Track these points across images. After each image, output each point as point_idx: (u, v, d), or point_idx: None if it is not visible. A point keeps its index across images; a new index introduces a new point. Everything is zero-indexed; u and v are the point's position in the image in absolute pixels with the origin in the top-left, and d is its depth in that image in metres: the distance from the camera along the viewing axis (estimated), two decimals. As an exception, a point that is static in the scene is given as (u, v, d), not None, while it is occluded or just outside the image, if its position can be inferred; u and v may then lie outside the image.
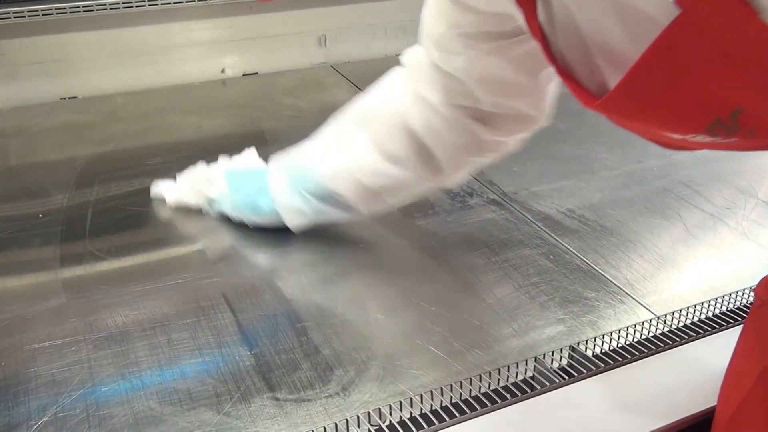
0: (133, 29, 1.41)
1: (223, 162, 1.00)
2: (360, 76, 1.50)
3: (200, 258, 0.91)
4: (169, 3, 1.38)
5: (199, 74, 1.47)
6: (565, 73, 0.57)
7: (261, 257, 0.91)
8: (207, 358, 0.74)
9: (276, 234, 0.95)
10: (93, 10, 1.34)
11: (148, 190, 1.06)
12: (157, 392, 0.70)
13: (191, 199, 0.98)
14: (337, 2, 1.56)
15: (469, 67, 0.74)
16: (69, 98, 1.38)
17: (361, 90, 1.43)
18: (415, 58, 0.82)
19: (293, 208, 0.89)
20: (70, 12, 1.32)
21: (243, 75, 1.50)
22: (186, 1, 1.40)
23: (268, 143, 1.21)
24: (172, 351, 0.75)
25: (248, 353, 0.75)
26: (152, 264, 0.90)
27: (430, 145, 0.82)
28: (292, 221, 0.91)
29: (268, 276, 0.87)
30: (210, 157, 1.14)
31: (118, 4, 1.35)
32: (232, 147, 1.19)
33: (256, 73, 1.51)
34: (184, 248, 0.93)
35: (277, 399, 0.69)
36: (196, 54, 1.47)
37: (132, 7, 1.36)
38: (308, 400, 0.69)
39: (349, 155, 0.86)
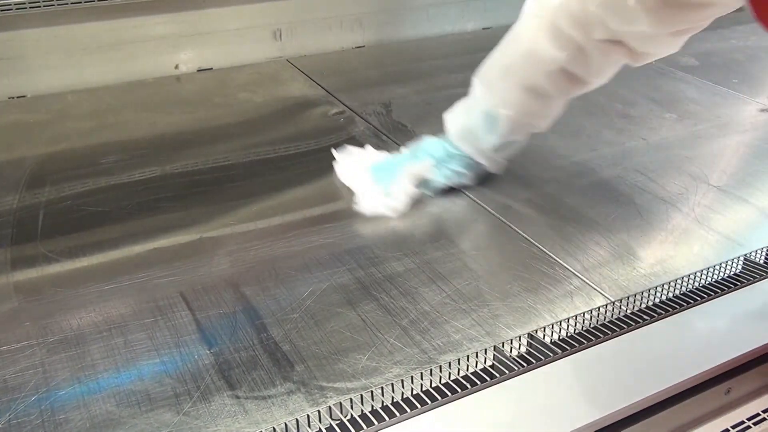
0: (84, 25, 1.38)
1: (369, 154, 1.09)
2: (316, 70, 1.49)
3: (157, 257, 0.89)
4: (119, -2, 1.35)
5: (152, 70, 1.44)
6: None
7: (219, 254, 0.90)
8: (165, 358, 0.73)
9: (234, 229, 0.94)
10: (40, 6, 1.30)
11: (102, 189, 1.04)
12: (114, 395, 0.69)
13: (410, 192, 1.01)
14: (291, -5, 1.55)
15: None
16: (18, 97, 1.34)
17: (318, 84, 1.43)
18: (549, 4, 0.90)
19: (487, 159, 1.04)
20: (17, 9, 1.29)
21: (198, 70, 1.48)
22: (137, -4, 1.37)
23: (223, 139, 1.20)
24: (130, 352, 0.74)
25: (207, 352, 0.74)
26: (107, 264, 0.88)
27: (578, 73, 0.93)
28: (491, 167, 1.06)
29: (226, 273, 0.86)
30: (165, 155, 1.13)
31: (66, 0, 1.31)
32: (188, 143, 1.18)
33: (211, 68, 1.49)
34: (140, 247, 0.91)
35: (237, 397, 0.68)
36: (149, 50, 1.44)
37: (81, 3, 1.33)
38: (269, 397, 0.68)
39: (508, 109, 0.98)
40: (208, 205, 1.01)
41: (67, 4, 1.32)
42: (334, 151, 1.08)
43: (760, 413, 0.75)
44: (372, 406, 0.66)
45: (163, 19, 1.44)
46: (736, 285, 0.82)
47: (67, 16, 1.35)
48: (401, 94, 1.40)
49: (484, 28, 1.78)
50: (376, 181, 1.01)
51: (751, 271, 0.85)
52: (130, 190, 1.04)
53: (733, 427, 0.74)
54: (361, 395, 0.66)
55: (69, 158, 1.13)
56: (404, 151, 1.08)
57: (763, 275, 0.84)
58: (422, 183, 1.02)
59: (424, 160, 1.02)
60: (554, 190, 1.08)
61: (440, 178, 1.03)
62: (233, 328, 0.77)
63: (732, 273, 0.85)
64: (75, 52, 1.38)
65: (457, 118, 1.04)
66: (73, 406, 0.67)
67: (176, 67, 1.47)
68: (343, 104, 1.34)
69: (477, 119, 1.01)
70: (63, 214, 0.98)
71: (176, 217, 0.98)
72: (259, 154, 1.16)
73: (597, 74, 0.95)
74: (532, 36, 0.92)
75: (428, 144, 1.05)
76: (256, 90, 1.40)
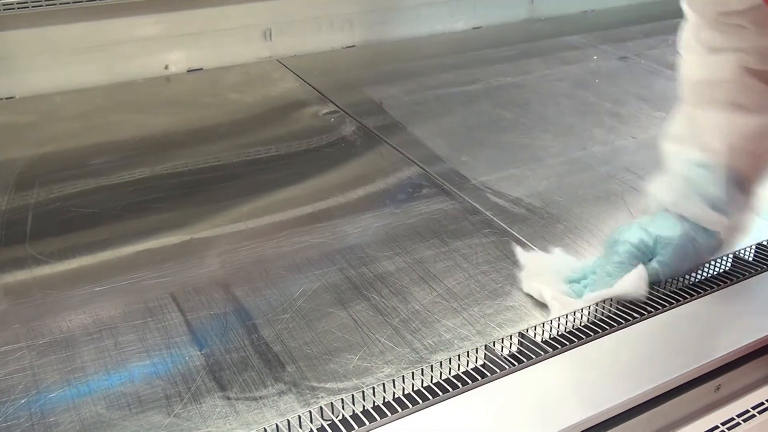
0: (72, 26, 1.37)
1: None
2: (306, 70, 1.49)
3: (147, 258, 0.89)
4: (108, -2, 1.34)
5: (141, 71, 1.44)
6: None
7: (210, 255, 0.90)
8: (156, 359, 0.73)
9: (224, 230, 0.94)
10: (28, 7, 1.30)
11: (91, 191, 1.04)
12: (104, 397, 0.68)
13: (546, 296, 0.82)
14: (281, -5, 1.54)
15: None
16: (6, 98, 1.34)
17: (308, 84, 1.43)
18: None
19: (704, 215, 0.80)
20: (4, 9, 1.28)
21: (187, 71, 1.48)
22: (126, -4, 1.37)
23: (213, 139, 1.20)
24: (120, 354, 0.73)
25: (198, 353, 0.74)
26: (97, 266, 0.88)
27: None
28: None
29: (217, 274, 0.86)
30: (154, 156, 1.13)
31: (55, 1, 1.31)
32: (178, 144, 1.18)
33: (201, 68, 1.49)
34: (130, 248, 0.91)
35: (228, 398, 0.68)
36: (139, 50, 1.43)
37: (69, 3, 1.32)
38: (260, 398, 0.68)
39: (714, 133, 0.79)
40: (198, 206, 1.01)
41: (55, 4, 1.31)
42: (518, 252, 0.88)
43: (750, 410, 0.75)
44: (363, 406, 0.66)
45: (152, 19, 1.44)
46: (725, 282, 0.83)
47: (56, 16, 1.34)
48: (392, 94, 1.40)
49: (474, 28, 1.78)
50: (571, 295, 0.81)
51: (740, 269, 0.85)
52: (119, 192, 1.04)
53: (723, 423, 0.74)
54: (353, 395, 0.66)
55: (58, 160, 1.13)
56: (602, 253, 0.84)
57: (751, 272, 0.84)
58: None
59: (622, 258, 0.79)
60: (545, 189, 1.08)
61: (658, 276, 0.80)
62: (224, 329, 0.77)
63: (721, 271, 0.85)
64: (63, 53, 1.37)
65: (661, 187, 0.84)
66: (62, 408, 0.67)
67: (166, 67, 1.46)
68: (334, 104, 1.34)
69: (686, 173, 0.81)
70: (52, 215, 0.97)
71: (166, 218, 0.97)
72: (250, 154, 1.16)
73: None
74: (694, 56, 0.82)
75: (623, 233, 0.81)
76: (246, 90, 1.40)
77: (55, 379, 0.70)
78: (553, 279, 0.83)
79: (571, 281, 0.83)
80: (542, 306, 0.82)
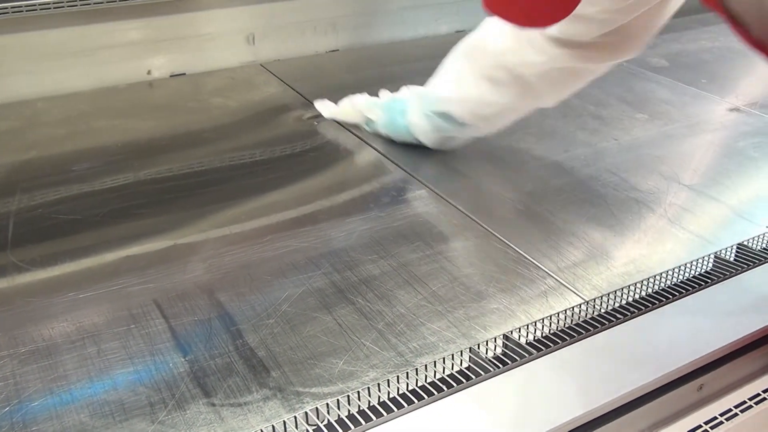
0: (54, 31, 1.36)
1: (382, 94, 1.20)
2: (290, 74, 1.49)
3: (130, 264, 0.89)
4: (89, 3, 1.33)
5: (124, 76, 1.43)
6: (739, 27, 0.63)
7: (194, 260, 0.90)
8: (139, 366, 0.72)
9: (208, 235, 0.94)
10: (8, 12, 1.28)
11: (74, 197, 1.03)
12: (87, 405, 0.68)
13: (351, 117, 1.23)
14: (264, 0, 1.54)
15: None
16: (-14, 104, 1.32)
17: (292, 88, 1.43)
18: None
19: (421, 126, 1.12)
20: (-16, 15, 1.27)
21: (170, 76, 1.47)
22: (108, 2, 1.36)
23: (197, 144, 1.19)
24: (103, 362, 0.73)
25: (182, 359, 0.73)
26: (79, 273, 0.87)
27: (529, 77, 0.99)
28: (422, 137, 1.14)
29: (201, 279, 0.86)
30: (137, 162, 1.12)
31: (35, 6, 1.30)
32: (161, 149, 1.17)
33: (184, 73, 1.48)
34: (113, 255, 0.90)
35: (213, 404, 0.68)
36: (121, 55, 1.43)
37: (50, 8, 1.31)
38: (245, 404, 0.68)
39: (460, 85, 1.05)
40: (182, 212, 1.00)
41: (35, 9, 1.30)
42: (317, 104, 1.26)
43: (732, 408, 0.76)
44: (349, 411, 0.66)
45: (134, 24, 1.43)
46: (707, 282, 0.83)
47: (37, 22, 1.33)
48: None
49: (457, 31, 1.79)
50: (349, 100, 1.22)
51: (721, 269, 0.86)
52: (102, 198, 1.03)
53: (706, 422, 0.75)
54: (338, 400, 0.66)
55: (40, 166, 1.12)
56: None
57: (732, 272, 0.85)
58: (367, 122, 1.21)
59: (377, 105, 1.18)
60: (528, 192, 1.09)
61: (376, 125, 1.19)
62: (208, 335, 0.77)
63: (703, 271, 0.86)
64: (45, 58, 1.36)
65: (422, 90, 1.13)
66: (45, 417, 0.66)
67: (149, 72, 1.46)
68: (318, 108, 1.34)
69: (437, 85, 1.09)
70: (34, 222, 0.97)
71: (150, 224, 0.97)
72: (234, 159, 1.15)
73: (546, 82, 1.01)
74: (495, 28, 1.01)
75: (393, 98, 1.18)
76: (229, 95, 1.39)
77: (38, 387, 0.69)
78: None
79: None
80: (526, 308, 0.82)
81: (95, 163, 1.12)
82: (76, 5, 1.33)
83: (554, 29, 0.93)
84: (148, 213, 1.00)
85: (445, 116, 1.08)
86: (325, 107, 1.28)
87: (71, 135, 1.22)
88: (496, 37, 1.00)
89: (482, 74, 1.02)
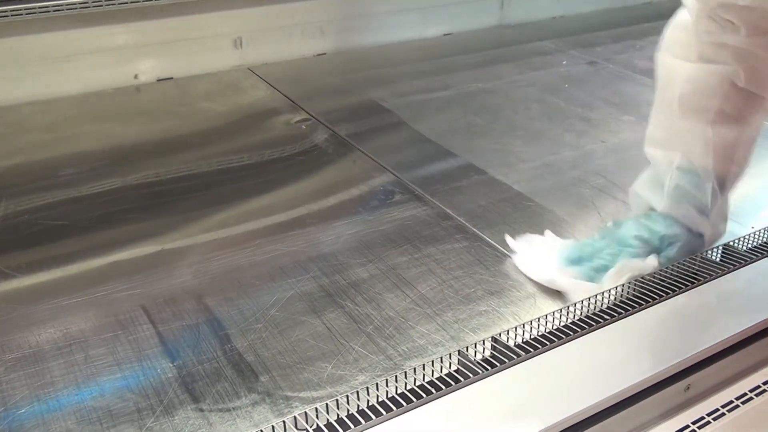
0: (40, 36, 1.35)
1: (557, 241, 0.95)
2: (278, 78, 1.49)
3: (117, 270, 0.88)
4: (76, 8, 1.33)
5: (111, 81, 1.42)
6: None
7: (181, 265, 0.89)
8: (127, 372, 0.72)
9: (196, 240, 0.93)
10: (-7, 17, 1.28)
11: (60, 202, 1.03)
12: (75, 412, 0.67)
13: (561, 283, 0.88)
14: (251, 4, 1.54)
15: None
16: (-28, 110, 1.32)
17: (280, 92, 1.43)
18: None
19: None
20: (-31, 20, 1.26)
21: (157, 80, 1.47)
22: (94, 6, 1.35)
23: (184, 149, 1.19)
24: (90, 368, 0.72)
25: (170, 365, 0.73)
26: (66, 279, 0.87)
27: (751, 87, 0.83)
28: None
29: (188, 284, 0.85)
30: (124, 166, 1.12)
31: (21, 11, 1.29)
32: (148, 154, 1.17)
33: (171, 77, 1.48)
34: (100, 260, 0.90)
35: (201, 410, 0.68)
36: (108, 60, 1.42)
37: (36, 13, 1.30)
38: (233, 409, 0.68)
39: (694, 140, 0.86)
40: (170, 216, 1.00)
41: (21, 14, 1.29)
42: (509, 240, 0.94)
43: (719, 408, 0.76)
44: (338, 415, 0.66)
45: (121, 29, 1.43)
46: (693, 283, 0.84)
47: (22, 26, 1.32)
48: (364, 101, 1.40)
49: (444, 34, 1.79)
50: (575, 276, 0.87)
51: (707, 269, 0.87)
52: (89, 203, 1.03)
53: (694, 422, 0.75)
54: (327, 404, 0.66)
55: (26, 171, 1.11)
56: (596, 236, 0.91)
57: (718, 272, 0.86)
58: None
59: (635, 248, 0.86)
60: (516, 194, 1.09)
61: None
62: (196, 341, 0.76)
63: (690, 271, 0.87)
64: (30, 63, 1.35)
65: (647, 188, 0.92)
66: (32, 425, 0.66)
67: (135, 77, 1.45)
68: (306, 112, 1.34)
69: (676, 180, 0.87)
70: (20, 228, 0.96)
71: (137, 229, 0.97)
72: (221, 163, 1.15)
73: None
74: (684, 63, 0.85)
75: (629, 227, 0.89)
76: (217, 99, 1.39)
77: (24, 394, 0.69)
78: (550, 261, 0.89)
79: (570, 262, 0.88)
80: (515, 310, 0.82)
81: (82, 168, 1.12)
82: (62, 10, 1.32)
83: None
84: (136, 218, 0.99)
85: (692, 172, 0.87)
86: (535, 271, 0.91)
87: (57, 140, 1.22)
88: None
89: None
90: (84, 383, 0.71)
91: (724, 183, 0.88)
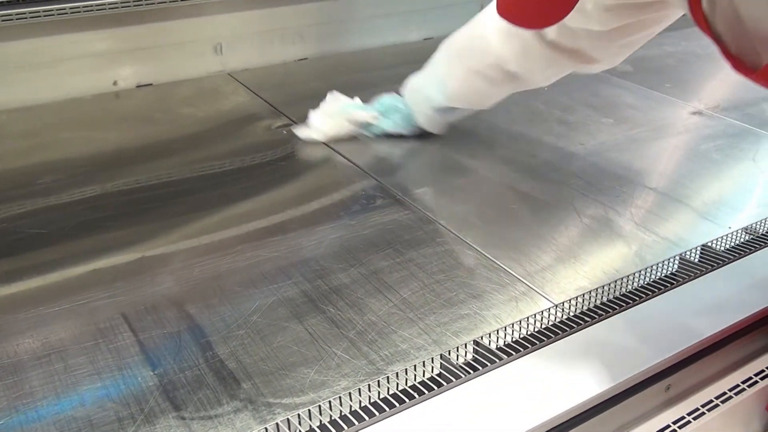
0: (17, 42, 1.34)
1: (339, 98, 1.27)
2: (259, 83, 1.48)
3: (97, 278, 0.88)
4: (53, 14, 1.32)
5: (90, 87, 1.41)
6: (723, 48, 0.72)
7: (162, 272, 0.89)
8: (107, 381, 0.71)
9: (177, 247, 0.93)
10: (-31, 24, 1.27)
11: (39, 210, 1.02)
12: (54, 422, 0.67)
13: (343, 129, 1.23)
14: (231, 9, 1.53)
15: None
16: (-52, 118, 1.30)
17: (260, 97, 1.42)
18: None
19: (428, 118, 1.21)
20: (-55, 26, 1.25)
21: (137, 86, 1.46)
22: (72, 12, 1.34)
23: (165, 155, 1.18)
24: (70, 377, 0.72)
25: (151, 373, 0.72)
26: (46, 288, 0.86)
27: (518, 72, 1.06)
28: (430, 126, 1.23)
29: (170, 292, 0.85)
30: (104, 173, 1.11)
31: (-3, 16, 1.28)
32: (128, 160, 1.16)
33: (151, 84, 1.47)
34: (80, 269, 0.89)
35: (183, 418, 0.67)
36: (86, 66, 1.41)
37: (12, 20, 1.29)
38: (215, 416, 0.67)
39: (453, 82, 1.14)
40: (150, 223, 0.99)
41: (-2, 21, 1.28)
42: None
43: (699, 408, 0.77)
44: (320, 421, 0.66)
45: (100, 35, 1.42)
46: (672, 284, 0.85)
47: (-1, 33, 1.31)
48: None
49: (425, 39, 1.80)
50: (327, 114, 1.23)
51: (686, 270, 0.88)
52: (69, 211, 1.02)
53: (675, 422, 0.76)
54: (309, 410, 0.66)
55: (4, 179, 1.10)
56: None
57: (697, 273, 0.87)
58: (364, 126, 1.24)
59: (373, 109, 1.23)
60: (497, 197, 1.09)
61: (382, 125, 1.23)
62: (178, 348, 0.76)
63: (669, 272, 0.88)
64: (8, 70, 1.34)
65: (415, 78, 1.20)
66: (11, 436, 0.65)
67: (115, 83, 1.44)
68: (287, 117, 1.34)
69: (429, 82, 1.17)
70: (-2, 237, 0.95)
71: (117, 237, 0.96)
72: (203, 169, 1.15)
73: (540, 76, 1.09)
74: (487, 30, 1.06)
75: (384, 98, 1.24)
76: (197, 105, 1.39)
77: (2, 405, 0.68)
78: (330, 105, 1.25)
79: (333, 104, 1.25)
80: (497, 312, 0.83)
81: (61, 175, 1.11)
82: (39, 16, 1.31)
83: (553, 33, 0.99)
84: (116, 225, 0.99)
85: (450, 109, 1.20)
86: (312, 131, 1.24)
87: (36, 147, 1.21)
88: (488, 39, 1.06)
89: (476, 72, 1.10)
90: (63, 393, 0.70)
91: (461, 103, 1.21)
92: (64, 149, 1.20)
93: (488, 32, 1.06)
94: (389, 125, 1.24)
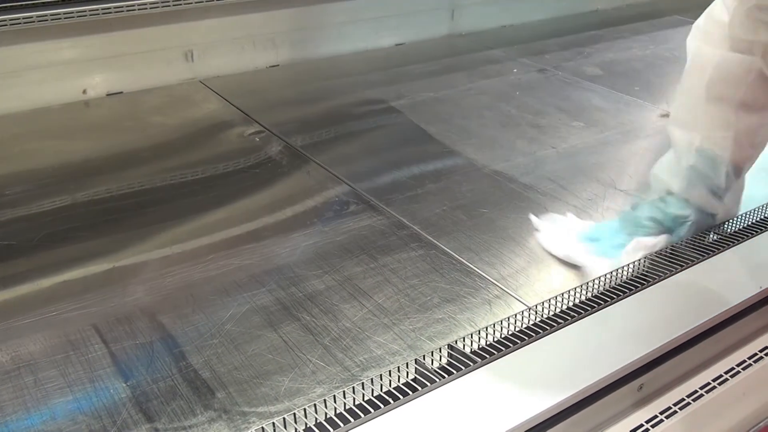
0: (-18, 52, 1.32)
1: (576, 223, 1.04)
2: (230, 90, 1.48)
3: (67, 289, 0.86)
4: (20, 23, 1.30)
5: (58, 96, 1.39)
6: None
7: (134, 282, 0.88)
8: (79, 394, 0.70)
9: (149, 256, 0.92)
10: (-67, 33, 1.25)
11: (7, 222, 1.00)
12: (24, 437, 0.66)
13: (579, 258, 0.96)
14: (203, 16, 1.53)
15: None
16: None
17: (232, 104, 1.42)
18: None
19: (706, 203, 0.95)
20: None
21: (107, 95, 1.44)
22: (39, 21, 1.33)
23: (135, 164, 1.17)
24: (40, 391, 0.71)
25: (123, 385, 0.72)
26: (14, 300, 0.84)
27: None
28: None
29: (141, 302, 0.84)
30: (74, 183, 1.10)
31: (-38, 26, 1.26)
32: (98, 170, 1.15)
33: (121, 92, 1.45)
34: (49, 280, 0.88)
35: (156, 429, 0.67)
36: (54, 75, 1.39)
37: (-22, 28, 1.28)
38: (189, 427, 0.67)
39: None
40: (121, 233, 0.98)
41: (-38, 30, 1.26)
42: (533, 218, 1.02)
43: (671, 406, 0.78)
44: (295, 429, 0.65)
45: (68, 43, 1.40)
46: (643, 284, 0.86)
47: (-36, 42, 1.29)
48: (318, 112, 1.40)
49: (397, 44, 1.81)
50: (593, 252, 0.94)
51: (656, 270, 0.89)
52: (37, 222, 1.01)
53: (647, 421, 0.76)
54: (284, 418, 0.65)
55: (-30, 191, 1.08)
56: (615, 218, 1.01)
57: (667, 273, 0.88)
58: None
59: (650, 229, 0.94)
60: (470, 201, 1.10)
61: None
62: (150, 359, 0.75)
63: (639, 273, 0.88)
64: (-27, 80, 1.32)
65: (666, 170, 0.97)
66: (-21, 452, 0.64)
67: (84, 92, 1.43)
68: (260, 124, 1.33)
69: (693, 162, 0.93)
70: (-36, 250, 0.93)
71: (87, 247, 0.95)
72: (174, 178, 1.14)
73: None
74: (715, 50, 0.91)
75: (643, 210, 0.96)
76: (168, 113, 1.38)
77: (-29, 421, 0.67)
78: (570, 238, 0.97)
79: (589, 240, 0.96)
80: (471, 316, 0.83)
81: (29, 186, 1.09)
82: (5, 24, 1.30)
83: None
84: (86, 236, 0.97)
85: (710, 155, 0.93)
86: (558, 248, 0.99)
87: (3, 158, 1.19)
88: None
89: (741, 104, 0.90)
90: (34, 407, 0.69)
91: (741, 167, 0.95)
92: (32, 160, 1.19)
93: (722, 54, 0.90)
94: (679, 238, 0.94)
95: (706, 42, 0.92)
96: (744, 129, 0.91)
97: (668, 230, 0.94)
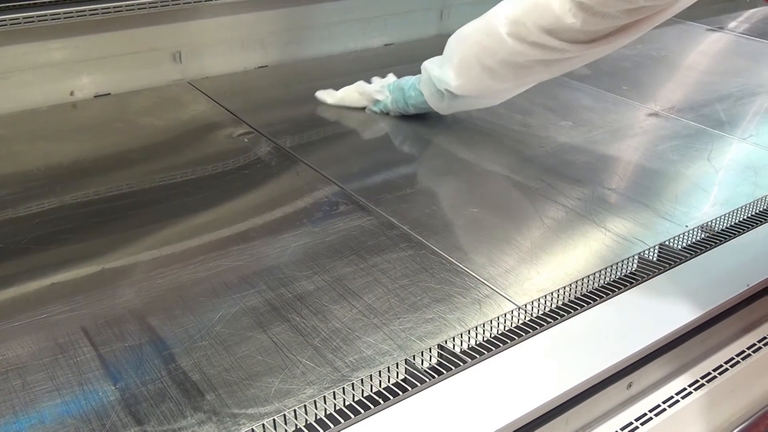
0: (-32, 54, 1.31)
1: (378, 80, 1.39)
2: (219, 92, 1.47)
3: (56, 292, 0.86)
4: (6, 24, 1.29)
5: (46, 98, 1.39)
6: None
7: (123, 285, 0.87)
8: (67, 398, 0.70)
9: (138, 258, 0.92)
10: None
11: (-6, 225, 0.99)
12: (12, 441, 0.65)
13: (356, 101, 1.39)
14: (190, 17, 1.52)
15: None
16: None
17: (221, 106, 1.41)
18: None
19: (436, 100, 1.26)
20: None
21: (95, 96, 1.44)
22: (25, 22, 1.32)
23: (124, 166, 1.17)
24: (28, 395, 0.70)
25: (112, 388, 0.71)
26: (2, 303, 0.84)
27: (531, 66, 1.12)
28: (438, 107, 1.28)
29: (131, 304, 0.84)
30: (62, 185, 1.09)
31: (-52, 27, 1.25)
32: (87, 172, 1.14)
33: (109, 93, 1.45)
34: (38, 283, 0.87)
35: (145, 432, 0.66)
36: (42, 77, 1.38)
37: (-37, 30, 1.27)
38: (179, 430, 0.67)
39: (464, 74, 1.19)
40: (110, 235, 0.98)
41: (-52, 31, 1.25)
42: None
43: (661, 404, 0.79)
44: (285, 430, 0.65)
45: (55, 44, 1.39)
46: (632, 282, 0.86)
47: (-51, 44, 1.28)
48: (306, 113, 1.40)
49: (386, 45, 1.81)
50: (346, 88, 1.39)
51: (645, 269, 0.89)
52: (25, 224, 1.00)
53: (637, 419, 0.77)
54: (274, 420, 0.65)
55: (-43, 194, 1.08)
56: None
57: (655, 272, 0.88)
58: (373, 102, 1.37)
59: (383, 87, 1.35)
60: (459, 201, 1.10)
61: (387, 103, 1.35)
62: (139, 361, 0.75)
63: (628, 271, 0.89)
64: (-41, 81, 1.31)
65: (430, 65, 1.24)
66: (-33, 457, 0.64)
67: (72, 93, 1.42)
68: (248, 125, 1.33)
69: (442, 67, 1.21)
70: (-49, 253, 0.93)
71: (76, 249, 0.94)
72: (163, 179, 1.13)
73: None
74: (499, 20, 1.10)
75: (401, 80, 1.34)
76: (157, 114, 1.37)
77: (-42, 426, 0.67)
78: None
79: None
80: (460, 316, 0.83)
81: (16, 188, 1.09)
82: (-9, 27, 1.29)
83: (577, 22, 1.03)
84: (74, 238, 0.97)
85: (453, 94, 1.23)
86: (328, 95, 1.41)
87: (-10, 160, 1.18)
88: (500, 36, 1.10)
89: (486, 67, 1.14)
90: (22, 411, 0.68)
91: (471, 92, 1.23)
92: (18, 162, 1.18)
93: (499, 30, 1.09)
94: (393, 103, 1.34)
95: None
96: (477, 84, 1.19)
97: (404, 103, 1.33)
